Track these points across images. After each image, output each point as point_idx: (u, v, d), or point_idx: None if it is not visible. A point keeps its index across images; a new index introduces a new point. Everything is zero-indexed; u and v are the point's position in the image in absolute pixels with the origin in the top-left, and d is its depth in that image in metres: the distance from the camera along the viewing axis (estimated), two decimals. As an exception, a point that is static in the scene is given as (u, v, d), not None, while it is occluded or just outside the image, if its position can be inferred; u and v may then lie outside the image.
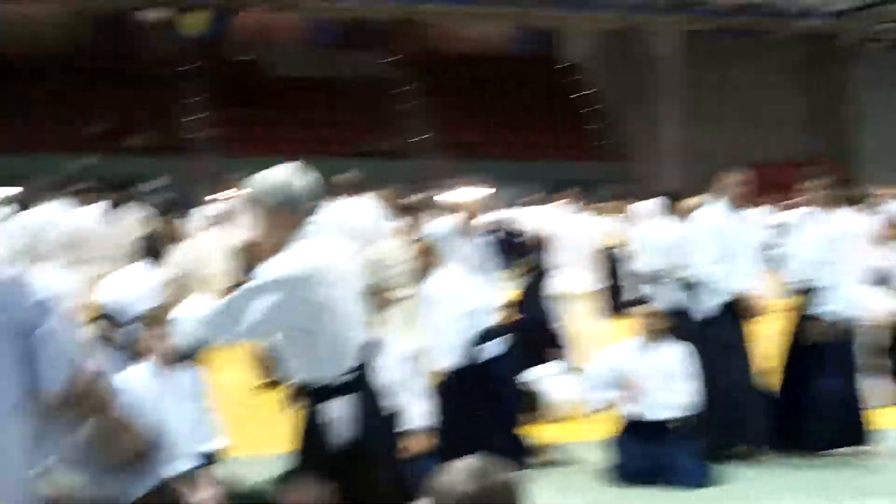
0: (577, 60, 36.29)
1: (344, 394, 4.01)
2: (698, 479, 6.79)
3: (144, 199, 15.15)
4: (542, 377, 8.33)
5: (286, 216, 3.95)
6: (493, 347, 6.97)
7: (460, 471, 2.19)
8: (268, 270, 3.87)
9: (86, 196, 11.17)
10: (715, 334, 7.46)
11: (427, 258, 7.21)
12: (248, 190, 4.02)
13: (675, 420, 6.97)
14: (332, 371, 3.98)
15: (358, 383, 4.06)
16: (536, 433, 7.34)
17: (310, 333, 3.92)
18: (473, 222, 8.37)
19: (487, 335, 6.97)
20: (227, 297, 3.93)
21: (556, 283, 10.31)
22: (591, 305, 11.47)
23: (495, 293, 7.65)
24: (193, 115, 32.41)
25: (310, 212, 4.01)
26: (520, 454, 6.94)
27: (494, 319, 7.10)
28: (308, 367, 4.02)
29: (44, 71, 31.38)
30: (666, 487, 6.75)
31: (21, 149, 28.75)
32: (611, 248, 13.12)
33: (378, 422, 4.13)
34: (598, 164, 32.26)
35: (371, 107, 33.29)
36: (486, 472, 2.19)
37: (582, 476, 7.07)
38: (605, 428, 7.20)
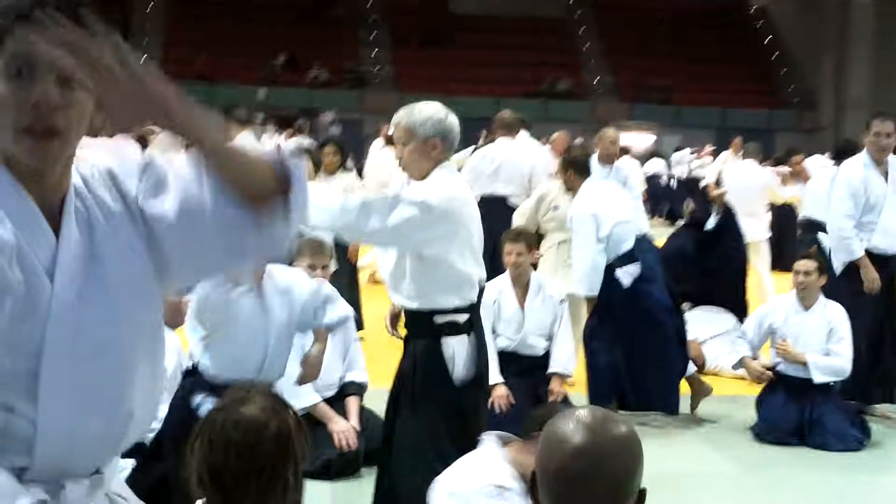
0: (764, 3, 35.04)
1: (465, 332, 4.08)
2: (847, 440, 6.52)
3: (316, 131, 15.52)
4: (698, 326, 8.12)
5: (435, 147, 4.07)
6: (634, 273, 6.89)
7: (575, 421, 2.10)
8: (411, 192, 3.99)
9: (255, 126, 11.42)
10: (851, 289, 7.09)
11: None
12: (402, 118, 4.13)
13: (827, 379, 6.72)
14: (453, 303, 4.06)
15: (474, 322, 4.13)
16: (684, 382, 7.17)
17: (437, 260, 4.01)
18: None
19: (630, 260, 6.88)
20: (365, 197, 4.00)
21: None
22: (756, 256, 11.11)
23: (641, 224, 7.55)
24: (372, 49, 32.77)
25: (454, 147, 4.18)
26: (666, 396, 6.91)
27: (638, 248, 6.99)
28: (429, 293, 4.07)
29: (224, 4, 32.17)
30: (813, 447, 6.50)
31: (201, 78, 29.65)
32: (783, 202, 12.73)
33: (485, 363, 4.22)
34: (782, 112, 31.25)
35: (549, 47, 32.98)
36: (602, 425, 2.08)
37: (727, 432, 6.85)
38: (753, 383, 7.00)
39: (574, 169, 7.44)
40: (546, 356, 6.58)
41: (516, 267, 6.55)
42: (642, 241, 7.10)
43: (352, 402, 5.93)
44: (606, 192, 7.32)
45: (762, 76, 33.19)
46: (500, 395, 6.25)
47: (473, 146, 10.86)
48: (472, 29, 32.37)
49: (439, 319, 4.07)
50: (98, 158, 1.93)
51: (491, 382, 6.06)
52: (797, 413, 6.62)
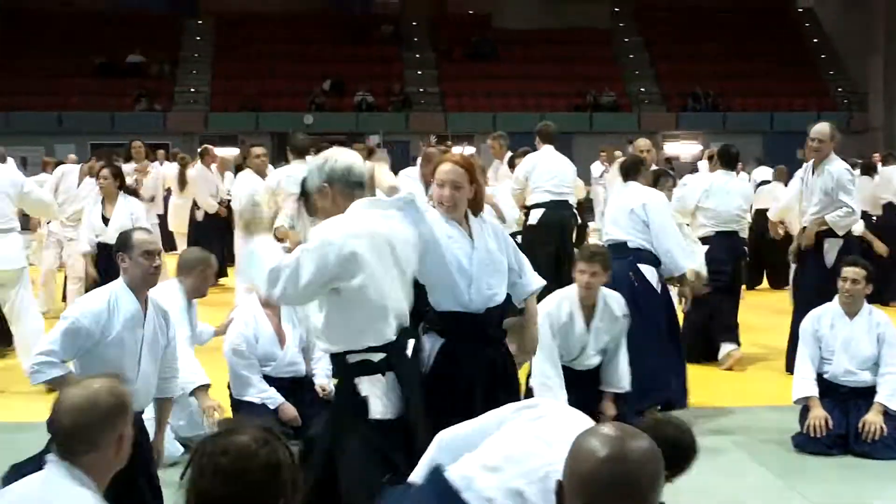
0: (810, 4, 34.75)
1: (381, 371, 4.04)
2: (894, 448, 6.44)
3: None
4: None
5: (327, 195, 4.15)
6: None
7: (602, 434, 2.16)
8: (317, 233, 4.03)
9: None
10: None
11: None
12: (317, 165, 4.24)
13: (872, 388, 6.63)
14: (365, 342, 4.02)
15: (394, 360, 4.06)
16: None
17: (348, 299, 3.99)
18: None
19: None
20: (274, 263, 4.03)
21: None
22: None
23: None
24: (416, 70, 32.92)
25: (354, 183, 4.18)
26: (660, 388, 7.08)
27: None
28: (342, 334, 4.05)
29: (267, 28, 32.48)
30: (857, 455, 6.42)
31: (248, 107, 29.97)
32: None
33: (415, 401, 4.11)
34: (831, 114, 30.89)
35: (593, 59, 32.94)
36: (628, 438, 2.13)
37: (767, 441, 6.77)
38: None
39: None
40: (598, 369, 6.59)
41: (588, 288, 6.43)
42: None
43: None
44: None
45: (810, 78, 32.88)
46: None
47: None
48: (515, 44, 32.44)
49: (352, 359, 4.05)
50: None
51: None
52: (842, 421, 6.54)
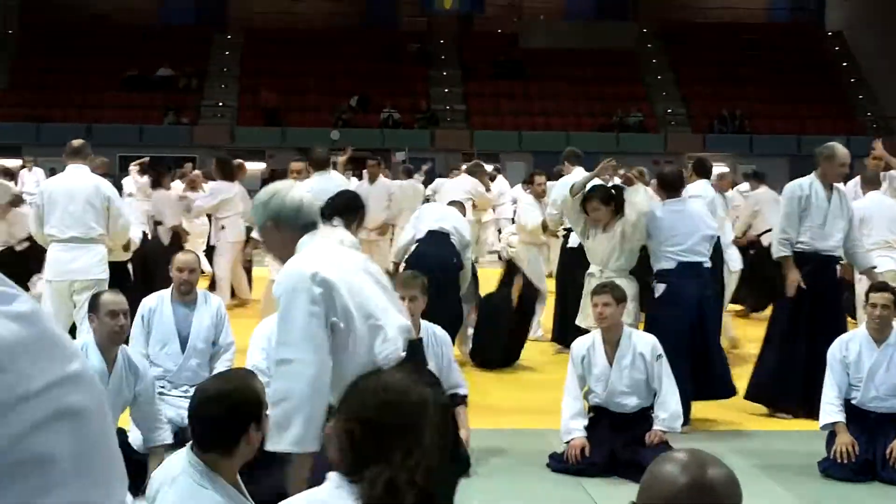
0: (839, 28, 34.63)
1: None
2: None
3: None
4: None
5: (272, 231, 3.83)
6: None
7: (679, 462, 2.10)
8: (279, 282, 3.73)
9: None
10: None
11: None
12: (261, 200, 3.88)
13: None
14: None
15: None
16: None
17: (336, 346, 3.63)
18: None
19: None
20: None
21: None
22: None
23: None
24: (443, 87, 32.99)
25: (298, 220, 3.78)
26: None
27: None
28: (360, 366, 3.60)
29: (295, 43, 32.63)
30: (885, 482, 6.34)
31: (274, 122, 30.07)
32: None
33: None
34: (859, 138, 30.73)
35: (620, 79, 32.93)
36: (706, 465, 2.08)
37: (793, 467, 6.72)
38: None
39: None
40: (640, 412, 6.55)
41: (602, 319, 6.49)
42: None
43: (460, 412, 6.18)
44: None
45: (837, 101, 32.75)
46: (574, 445, 6.36)
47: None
48: (542, 63, 32.45)
49: None
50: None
51: (572, 436, 6.37)
52: (869, 448, 6.48)
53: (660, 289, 7.62)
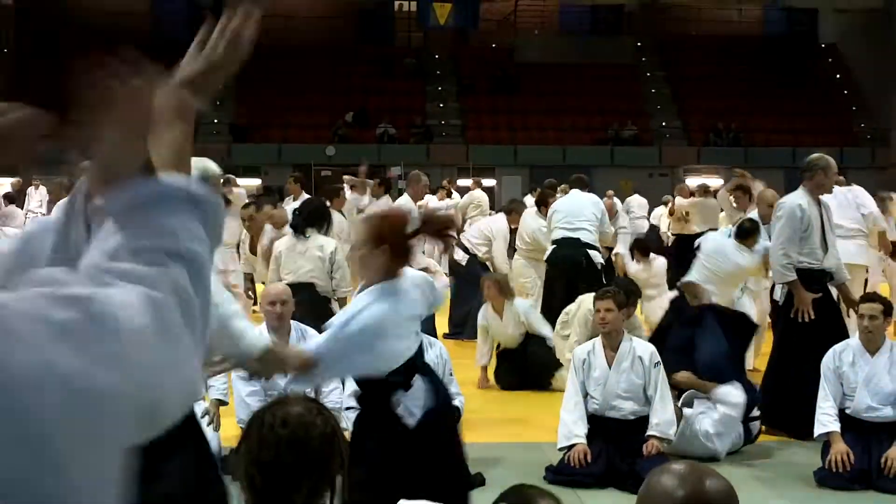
0: (834, 40, 34.72)
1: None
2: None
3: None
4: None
5: None
6: None
7: (677, 474, 2.09)
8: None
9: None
10: None
11: None
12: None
13: (894, 423, 6.61)
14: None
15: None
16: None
17: None
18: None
19: None
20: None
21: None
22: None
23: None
24: (438, 102, 33.05)
25: None
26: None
27: None
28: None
29: (290, 60, 32.64)
30: (881, 492, 6.36)
31: (270, 139, 30.05)
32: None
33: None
34: (854, 150, 30.84)
35: (615, 93, 33.00)
36: (704, 478, 2.08)
37: (789, 476, 6.74)
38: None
39: None
40: (636, 421, 6.58)
41: (604, 324, 6.60)
42: None
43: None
44: None
45: (832, 114, 32.83)
46: (578, 450, 6.41)
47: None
48: (537, 77, 32.52)
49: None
50: None
51: (572, 441, 6.43)
52: (864, 457, 6.51)
53: None
